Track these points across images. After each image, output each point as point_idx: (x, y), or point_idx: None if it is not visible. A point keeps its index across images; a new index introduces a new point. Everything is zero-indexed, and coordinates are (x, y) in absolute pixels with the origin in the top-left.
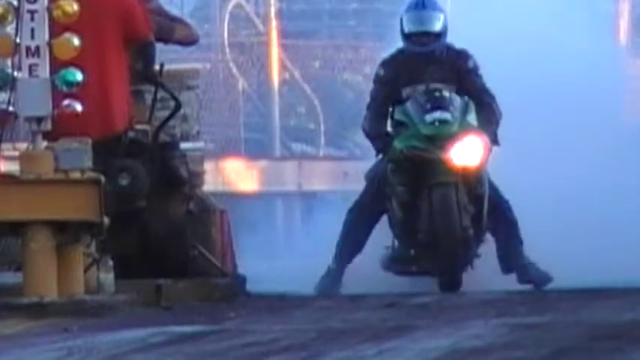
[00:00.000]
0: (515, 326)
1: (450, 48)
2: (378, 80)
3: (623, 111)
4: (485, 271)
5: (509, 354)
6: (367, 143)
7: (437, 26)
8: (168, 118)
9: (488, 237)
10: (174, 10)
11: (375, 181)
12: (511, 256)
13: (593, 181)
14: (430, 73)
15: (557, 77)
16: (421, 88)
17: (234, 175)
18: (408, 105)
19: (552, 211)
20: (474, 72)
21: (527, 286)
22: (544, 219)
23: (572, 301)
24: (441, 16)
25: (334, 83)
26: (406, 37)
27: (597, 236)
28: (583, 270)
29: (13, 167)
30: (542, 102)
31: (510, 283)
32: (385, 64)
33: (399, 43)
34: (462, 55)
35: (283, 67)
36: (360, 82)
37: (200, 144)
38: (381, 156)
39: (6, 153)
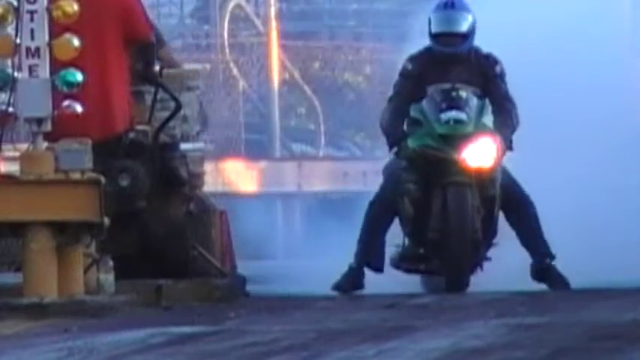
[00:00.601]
0: (515, 326)
1: (477, 51)
2: (404, 74)
3: (625, 110)
4: (494, 274)
5: (510, 354)
6: (367, 144)
7: (464, 27)
8: (168, 119)
9: (500, 241)
10: (174, 10)
11: (394, 175)
12: (535, 250)
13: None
14: (457, 73)
15: (569, 71)
16: (446, 87)
17: (234, 175)
18: (424, 103)
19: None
20: (500, 77)
21: (528, 286)
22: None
23: (572, 302)
24: (469, 17)
25: (334, 84)
26: (433, 36)
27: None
28: (588, 270)
29: (13, 168)
30: (553, 98)
31: (517, 285)
32: (413, 59)
33: (401, 43)
34: (490, 60)
35: (283, 68)
36: (360, 82)
37: (200, 145)
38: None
39: (6, 153)
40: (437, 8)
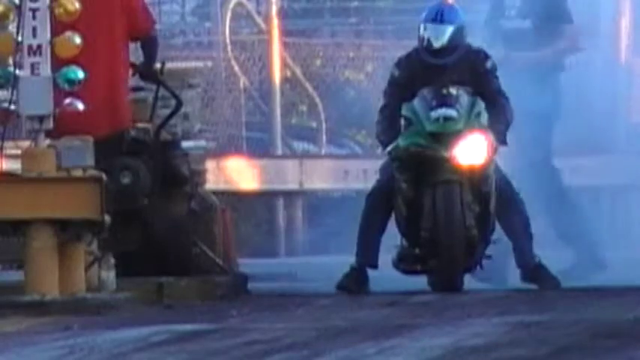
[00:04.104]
0: (516, 325)
1: (467, 47)
2: (392, 82)
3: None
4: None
5: (510, 352)
6: (369, 141)
7: (453, 40)
8: (169, 117)
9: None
10: (175, 8)
11: (389, 171)
12: (522, 254)
13: None
14: (446, 75)
15: None
16: (437, 85)
17: (236, 173)
18: (416, 101)
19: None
20: (491, 73)
21: (529, 285)
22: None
23: (573, 300)
24: (454, 28)
25: (336, 81)
26: (422, 46)
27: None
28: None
29: (15, 165)
30: None
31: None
32: (400, 64)
33: (401, 42)
34: (481, 56)
35: (285, 66)
36: (361, 80)
37: (201, 142)
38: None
39: (8, 151)
40: (427, 18)
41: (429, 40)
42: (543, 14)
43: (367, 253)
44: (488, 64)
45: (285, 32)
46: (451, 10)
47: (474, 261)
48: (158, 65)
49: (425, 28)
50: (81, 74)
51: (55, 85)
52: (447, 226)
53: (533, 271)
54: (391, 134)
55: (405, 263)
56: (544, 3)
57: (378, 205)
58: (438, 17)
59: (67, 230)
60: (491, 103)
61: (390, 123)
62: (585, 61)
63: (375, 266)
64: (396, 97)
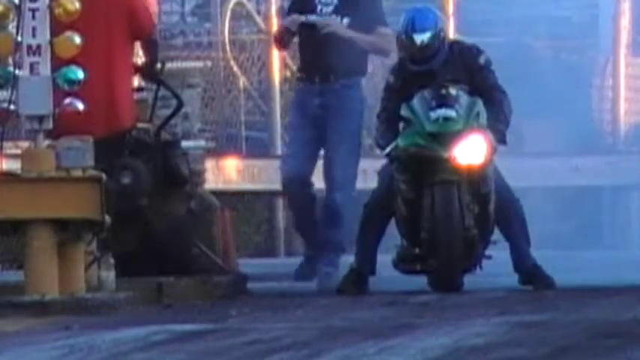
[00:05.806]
0: (516, 324)
1: (459, 44)
2: (388, 88)
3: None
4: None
5: (510, 352)
6: (368, 142)
7: (431, 45)
8: (170, 117)
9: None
10: (175, 8)
11: (387, 177)
12: (520, 257)
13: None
14: (441, 76)
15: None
16: (436, 85)
17: (236, 173)
18: (415, 101)
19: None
20: (485, 68)
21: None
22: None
23: (572, 300)
24: (429, 34)
25: None
26: (404, 56)
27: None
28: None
29: (14, 165)
30: None
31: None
32: (394, 71)
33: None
34: (473, 52)
35: (284, 65)
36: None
37: (201, 142)
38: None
39: (8, 151)
40: (400, 31)
41: (408, 50)
42: (359, 14)
43: (365, 261)
44: (482, 60)
45: None
46: (422, 16)
47: (473, 261)
48: (158, 65)
49: (403, 40)
50: (81, 74)
51: (55, 85)
52: (445, 226)
53: (530, 273)
54: (389, 137)
55: (405, 263)
56: (360, 3)
57: (376, 214)
58: (410, 27)
59: (67, 230)
60: (489, 99)
61: (387, 126)
62: (587, 60)
63: (372, 273)
64: (392, 103)
